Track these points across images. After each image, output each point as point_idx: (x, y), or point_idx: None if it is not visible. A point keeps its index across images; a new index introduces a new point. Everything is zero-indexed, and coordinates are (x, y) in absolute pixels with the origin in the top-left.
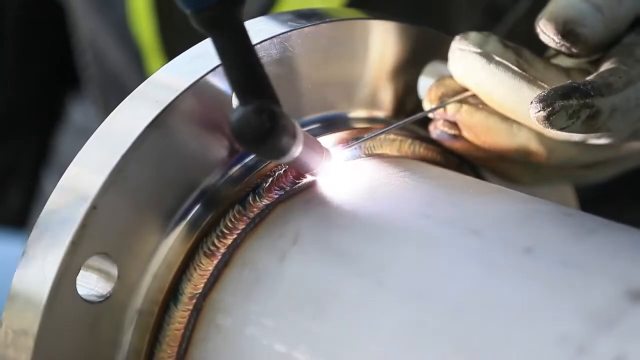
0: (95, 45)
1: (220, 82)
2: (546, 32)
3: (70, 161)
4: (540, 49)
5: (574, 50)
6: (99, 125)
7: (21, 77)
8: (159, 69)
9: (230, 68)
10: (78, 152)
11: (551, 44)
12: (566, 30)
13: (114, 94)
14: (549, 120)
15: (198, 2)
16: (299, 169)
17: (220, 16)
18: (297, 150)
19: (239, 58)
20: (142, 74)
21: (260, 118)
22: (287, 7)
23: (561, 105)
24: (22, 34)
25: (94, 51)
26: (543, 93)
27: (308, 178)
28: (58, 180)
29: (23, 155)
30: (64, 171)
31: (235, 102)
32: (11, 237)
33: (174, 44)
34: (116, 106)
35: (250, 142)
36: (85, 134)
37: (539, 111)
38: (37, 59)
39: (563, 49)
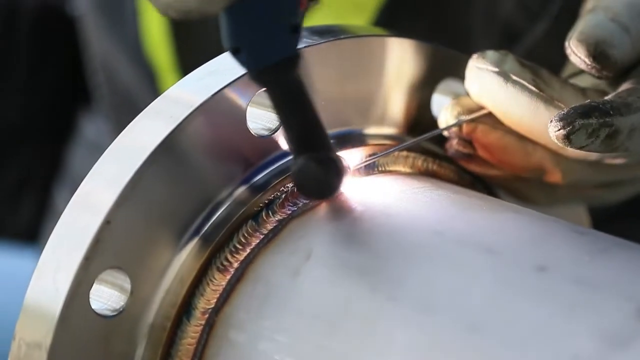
0: (107, 65)
1: (235, 97)
2: (578, 54)
3: (83, 176)
4: (557, 69)
5: (604, 72)
6: (110, 142)
7: (34, 89)
8: None
9: (289, 123)
10: (90, 166)
11: (582, 66)
12: (597, 52)
13: (126, 113)
14: (569, 138)
15: (258, 61)
16: None
17: (280, 74)
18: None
19: (298, 113)
20: (155, 94)
21: (326, 171)
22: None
23: (581, 123)
24: (35, 48)
25: (106, 71)
26: (563, 112)
27: None
28: (69, 195)
29: (35, 168)
30: (76, 186)
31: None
32: (23, 250)
33: (189, 62)
34: (128, 125)
35: (317, 194)
36: (97, 149)
37: (558, 130)
38: (49, 72)
39: (593, 71)
